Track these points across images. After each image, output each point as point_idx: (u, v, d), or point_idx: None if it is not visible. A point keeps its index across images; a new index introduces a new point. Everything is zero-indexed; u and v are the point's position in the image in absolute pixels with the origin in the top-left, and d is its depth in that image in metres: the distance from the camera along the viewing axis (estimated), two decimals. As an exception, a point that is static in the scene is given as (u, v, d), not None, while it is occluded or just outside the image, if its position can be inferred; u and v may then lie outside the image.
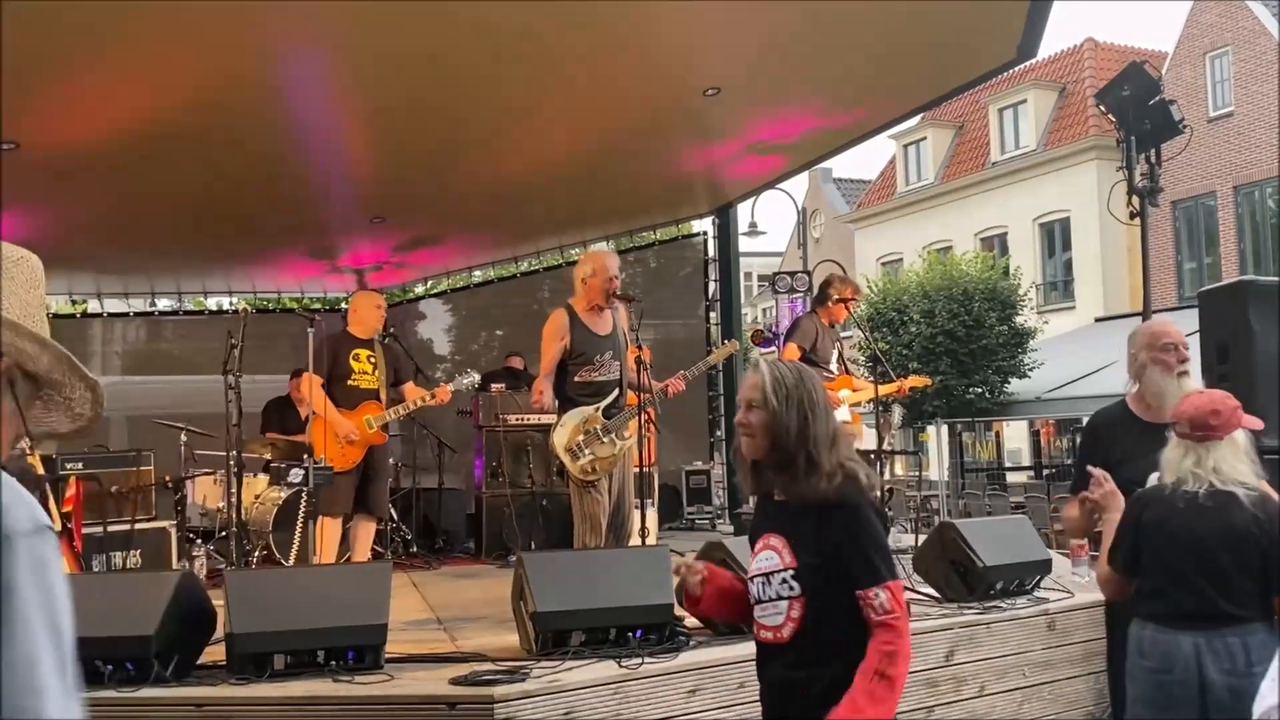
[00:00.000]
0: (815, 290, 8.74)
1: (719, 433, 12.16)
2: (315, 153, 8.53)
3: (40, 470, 7.24)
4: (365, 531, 7.31)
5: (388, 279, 14.36)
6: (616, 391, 6.08)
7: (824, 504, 2.62)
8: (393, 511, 9.64)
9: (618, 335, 6.16)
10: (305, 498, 7.19)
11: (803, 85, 7.75)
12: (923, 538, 6.70)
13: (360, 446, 7.07)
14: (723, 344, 8.08)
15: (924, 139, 33.06)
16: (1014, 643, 5.52)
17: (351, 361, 7.15)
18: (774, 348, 9.40)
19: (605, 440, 5.93)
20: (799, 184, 38.24)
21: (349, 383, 7.06)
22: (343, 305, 13.94)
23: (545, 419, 6.23)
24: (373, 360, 7.28)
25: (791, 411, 2.64)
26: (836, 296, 7.67)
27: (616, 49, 6.70)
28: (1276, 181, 23.05)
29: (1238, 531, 3.27)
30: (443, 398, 7.35)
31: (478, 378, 7.73)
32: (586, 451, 5.89)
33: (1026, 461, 28.86)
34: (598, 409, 5.97)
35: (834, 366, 7.71)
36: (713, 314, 12.21)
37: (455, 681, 4.21)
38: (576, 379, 6.01)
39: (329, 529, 7.03)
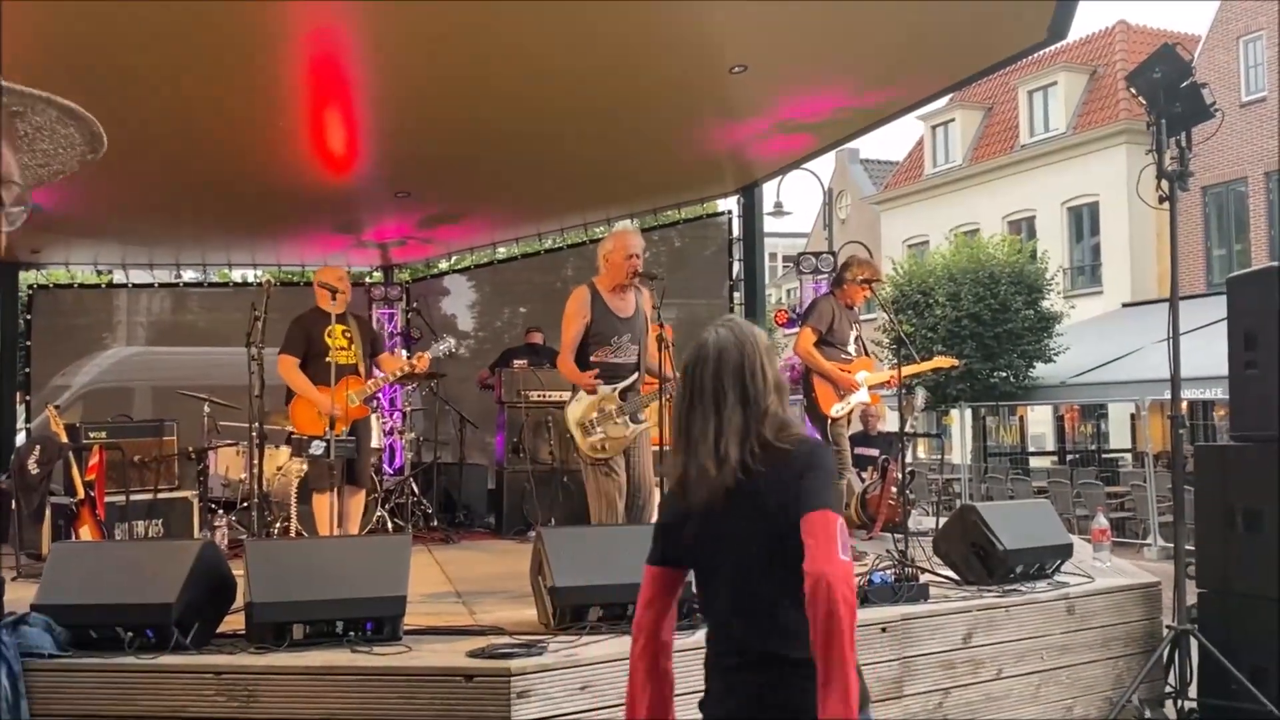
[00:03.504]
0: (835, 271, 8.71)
1: (741, 413, 12.10)
2: (340, 128, 8.54)
3: (64, 438, 7.33)
4: (355, 503, 7.31)
5: (412, 254, 14.37)
6: (635, 375, 6.07)
7: None
8: (414, 485, 9.69)
9: (638, 319, 6.12)
10: (329, 470, 7.20)
11: (831, 64, 7.68)
12: (944, 520, 6.68)
13: (344, 421, 7.02)
14: None
15: (952, 120, 32.87)
16: (1032, 626, 5.51)
17: (327, 338, 7.08)
18: (797, 328, 9.38)
19: (619, 421, 5.91)
20: (825, 164, 38.23)
21: (327, 359, 6.96)
22: (366, 279, 14.01)
23: (566, 395, 6.23)
24: (348, 335, 7.21)
25: None
26: (857, 277, 7.64)
27: (642, 25, 6.66)
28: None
29: None
30: (422, 366, 7.31)
31: (453, 343, 7.67)
32: (598, 429, 5.88)
33: (1050, 446, 28.73)
34: (615, 389, 5.96)
35: (852, 348, 7.68)
36: (736, 294, 12.16)
37: (473, 654, 4.23)
38: (592, 359, 5.99)
39: (320, 504, 7.05)
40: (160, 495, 8.13)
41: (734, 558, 2.56)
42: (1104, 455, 25.22)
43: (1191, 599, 5.87)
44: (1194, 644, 5.66)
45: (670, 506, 2.72)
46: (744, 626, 2.57)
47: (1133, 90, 6.05)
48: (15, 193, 1.17)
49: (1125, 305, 26.23)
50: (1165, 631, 5.84)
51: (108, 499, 7.36)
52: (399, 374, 7.38)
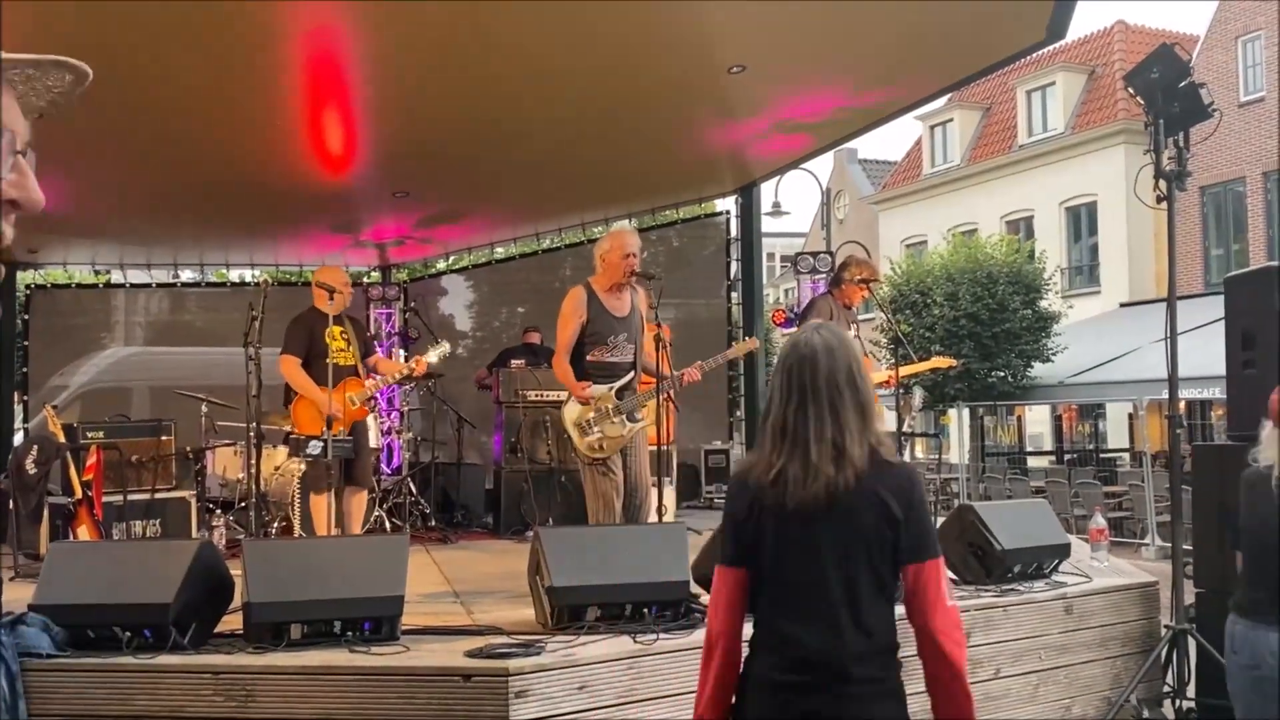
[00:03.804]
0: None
1: (739, 412, 12.15)
2: (339, 128, 8.53)
3: (61, 438, 7.32)
4: (358, 504, 7.31)
5: (410, 254, 14.37)
6: (631, 374, 6.07)
7: None
8: (411, 485, 9.69)
9: (634, 319, 6.11)
10: (326, 470, 7.19)
11: (829, 64, 7.69)
12: (941, 520, 6.68)
13: (344, 423, 6.99)
14: (744, 339, 8.10)
15: (950, 120, 32.85)
16: (1030, 626, 5.50)
17: (327, 339, 7.02)
18: (794, 328, 9.38)
19: (615, 420, 5.90)
20: (824, 164, 38.13)
21: (326, 361, 6.87)
22: (364, 279, 14.00)
23: (564, 395, 6.22)
24: (345, 336, 7.19)
25: None
26: (854, 277, 7.63)
27: (642, 25, 6.66)
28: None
29: None
30: (420, 370, 7.30)
31: (447, 347, 7.67)
32: (595, 429, 5.87)
33: (1048, 446, 28.73)
34: (611, 388, 5.96)
35: (849, 347, 7.67)
36: (734, 294, 12.18)
37: (471, 654, 4.23)
38: (589, 358, 5.98)
39: (318, 505, 7.04)
40: (158, 495, 8.12)
41: (815, 564, 2.49)
42: (1102, 455, 25.23)
43: (1189, 599, 5.87)
44: (1192, 644, 5.66)
45: (741, 503, 2.60)
46: (810, 637, 2.47)
47: (1131, 90, 6.04)
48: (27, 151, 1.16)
49: (1123, 305, 26.22)
50: (1163, 631, 5.84)
51: (105, 499, 7.35)
52: (397, 377, 7.39)
